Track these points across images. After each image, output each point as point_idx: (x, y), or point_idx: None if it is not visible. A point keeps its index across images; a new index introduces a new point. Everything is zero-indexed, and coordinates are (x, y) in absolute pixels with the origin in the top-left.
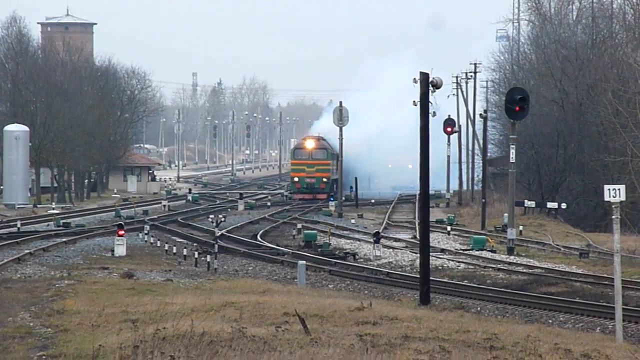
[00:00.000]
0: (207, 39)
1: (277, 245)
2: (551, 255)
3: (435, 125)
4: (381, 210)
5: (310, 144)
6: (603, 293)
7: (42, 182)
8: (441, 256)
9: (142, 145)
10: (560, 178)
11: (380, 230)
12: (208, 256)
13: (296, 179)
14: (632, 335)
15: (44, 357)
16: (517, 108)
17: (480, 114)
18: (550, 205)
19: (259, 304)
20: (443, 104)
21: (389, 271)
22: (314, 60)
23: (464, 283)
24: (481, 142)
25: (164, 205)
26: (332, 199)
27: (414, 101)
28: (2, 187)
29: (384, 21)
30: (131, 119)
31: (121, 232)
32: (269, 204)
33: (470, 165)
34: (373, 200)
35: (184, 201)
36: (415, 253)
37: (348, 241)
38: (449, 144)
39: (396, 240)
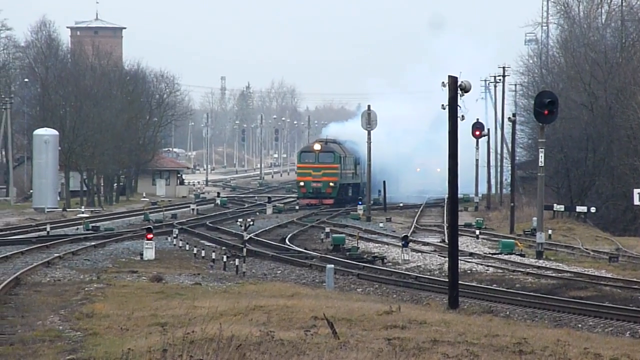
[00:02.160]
0: (235, 43)
1: (305, 249)
2: (580, 259)
3: (464, 129)
4: (409, 214)
5: (316, 147)
6: (633, 297)
7: (71, 185)
8: (470, 260)
9: (170, 149)
10: (589, 182)
11: (409, 234)
12: (236, 260)
13: (302, 184)
14: None
15: None
16: (546, 112)
17: (509, 118)
18: (579, 209)
19: (287, 307)
20: (472, 107)
21: (418, 275)
22: (343, 64)
23: (492, 287)
24: (510, 145)
25: (193, 209)
26: (360, 202)
27: (443, 105)
28: (31, 190)
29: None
30: (160, 123)
31: (150, 236)
32: (297, 207)
33: (499, 169)
34: (401, 204)
35: (213, 205)
36: (444, 257)
37: (376, 245)
38: (477, 148)
39: (425, 244)
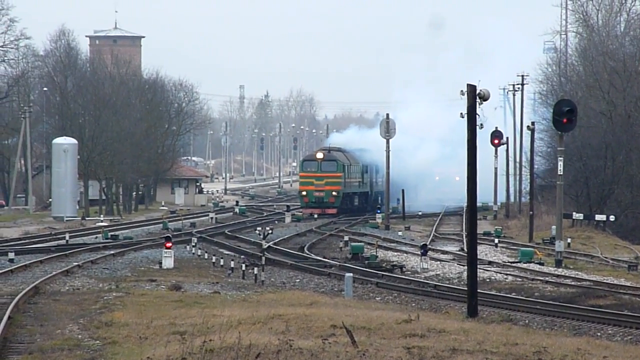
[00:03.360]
0: (254, 52)
1: (324, 258)
2: (599, 268)
3: (483, 138)
4: (428, 223)
5: (319, 155)
6: None
7: (90, 194)
8: (489, 268)
9: (189, 157)
10: (608, 190)
11: (428, 243)
12: (255, 268)
13: (304, 193)
14: None
15: None
16: (565, 120)
17: (528, 126)
18: (598, 217)
19: (306, 316)
20: (490, 116)
21: (437, 283)
22: (361, 72)
23: (511, 295)
24: (529, 154)
25: (212, 218)
26: (379, 211)
27: (461, 113)
28: (50, 199)
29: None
30: (178, 132)
31: (169, 245)
32: (315, 216)
33: (517, 178)
34: (420, 213)
35: (231, 213)
36: (463, 265)
37: (395, 253)
38: (496, 156)
39: (443, 252)
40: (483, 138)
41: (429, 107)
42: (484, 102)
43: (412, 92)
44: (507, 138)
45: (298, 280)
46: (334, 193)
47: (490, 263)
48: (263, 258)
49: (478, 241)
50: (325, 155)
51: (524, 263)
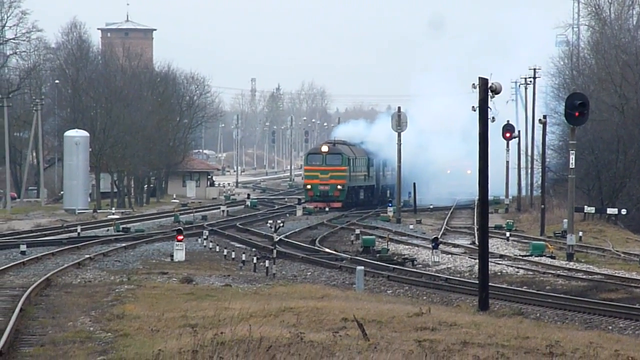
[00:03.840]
0: (266, 45)
1: (335, 251)
2: (611, 262)
3: (494, 131)
4: (440, 216)
5: (324, 149)
6: None
7: (102, 187)
8: (500, 262)
9: (201, 150)
10: (620, 184)
11: (439, 236)
12: (266, 261)
13: (309, 187)
14: None
15: None
16: (577, 113)
17: (540, 120)
18: (610, 211)
19: (317, 309)
20: (502, 109)
21: (448, 277)
22: (373, 66)
23: (523, 289)
24: (540, 147)
25: (223, 211)
26: (390, 204)
27: (473, 107)
28: (62, 192)
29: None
30: (190, 125)
31: (180, 237)
32: (327, 209)
33: (529, 171)
34: (431, 206)
35: (243, 206)
36: (474, 259)
37: (406, 247)
38: (508, 150)
39: (455, 245)
40: (495, 131)
41: (442, 100)
42: (495, 96)
43: (425, 84)
44: (519, 131)
45: (309, 274)
46: (339, 187)
47: (501, 256)
48: (274, 251)
49: (489, 235)
50: (330, 149)
51: (536, 256)
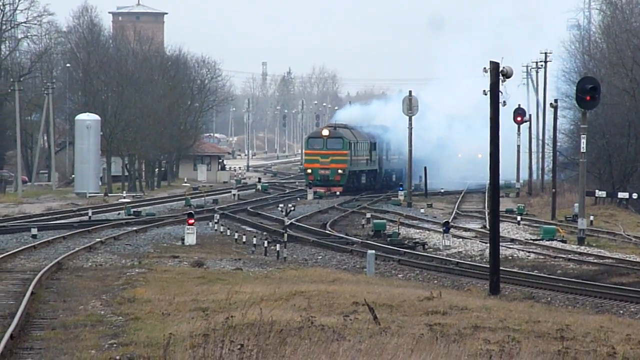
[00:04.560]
0: (277, 29)
1: (346, 235)
2: (622, 246)
3: (506, 115)
4: (451, 200)
5: (324, 133)
6: None
7: (113, 171)
8: (511, 246)
9: (212, 134)
10: (631, 168)
11: (450, 220)
12: (277, 245)
13: (309, 171)
14: None
15: (115, 345)
16: (588, 97)
17: (551, 104)
18: (621, 195)
19: (328, 293)
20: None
21: (459, 261)
22: (384, 49)
23: (534, 273)
24: (551, 131)
25: (234, 194)
26: (401, 188)
27: (484, 90)
28: (73, 175)
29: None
30: (201, 108)
31: (191, 221)
32: (337, 193)
33: (540, 155)
34: (442, 190)
35: (254, 190)
36: (485, 243)
37: (417, 231)
38: (519, 134)
39: (466, 230)
40: (506, 115)
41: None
42: (506, 79)
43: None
44: (530, 115)
45: (320, 257)
46: (339, 171)
47: (512, 240)
48: (285, 235)
49: (500, 219)
50: (331, 133)
51: (547, 241)
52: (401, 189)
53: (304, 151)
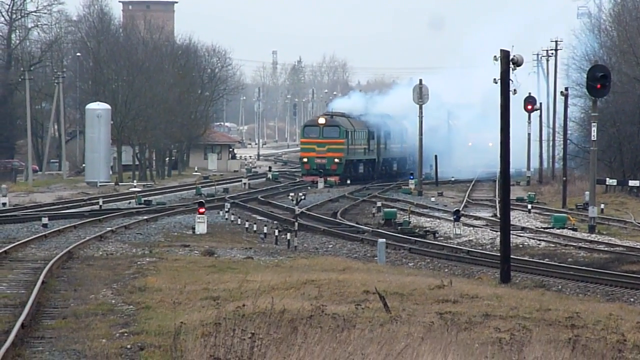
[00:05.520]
0: (287, 17)
1: (356, 224)
2: (633, 234)
3: (516, 103)
4: (461, 189)
5: (321, 121)
6: None
7: (123, 160)
8: (522, 234)
9: (222, 123)
10: None
11: (461, 208)
12: (288, 234)
13: (305, 160)
14: None
15: (125, 334)
16: (599, 86)
17: (561, 92)
18: (632, 183)
19: (338, 281)
20: (524, 81)
21: (469, 249)
22: (395, 37)
23: (544, 261)
24: (562, 120)
25: (244, 183)
26: (411, 177)
27: (495, 79)
28: (84, 165)
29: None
30: (211, 97)
31: (202, 210)
32: (348, 181)
33: (551, 144)
34: (453, 178)
35: (264, 179)
36: (496, 231)
37: (428, 219)
38: (529, 122)
39: (476, 218)
40: (516, 103)
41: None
42: (517, 68)
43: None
44: (541, 104)
45: (331, 246)
46: (336, 160)
47: (523, 229)
48: (296, 224)
49: (511, 207)
50: (328, 121)
51: (557, 229)
52: (412, 177)
53: (300, 139)
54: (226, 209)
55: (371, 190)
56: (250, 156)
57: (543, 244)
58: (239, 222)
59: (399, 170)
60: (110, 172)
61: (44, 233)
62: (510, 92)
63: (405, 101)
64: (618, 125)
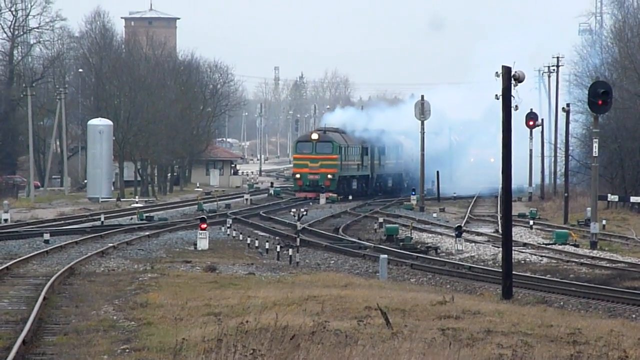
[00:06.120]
0: (289, 33)
1: (358, 239)
2: (635, 250)
3: (518, 119)
4: (463, 204)
5: (314, 136)
6: None
7: (125, 175)
8: (523, 250)
9: (224, 139)
10: None
11: (462, 224)
12: (290, 250)
13: (298, 176)
14: None
15: (127, 350)
16: (600, 102)
17: (563, 108)
18: (633, 199)
19: (340, 297)
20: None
21: (471, 265)
22: (397, 53)
23: (546, 277)
24: (564, 136)
25: (246, 199)
26: (413, 192)
27: (496, 95)
28: (86, 180)
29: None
30: (213, 113)
31: (204, 226)
32: (350, 197)
33: (552, 159)
34: (455, 194)
35: (266, 195)
36: (498, 247)
37: (430, 235)
38: (531, 138)
39: (478, 234)
40: (518, 119)
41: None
42: (519, 84)
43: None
44: (542, 120)
45: (333, 262)
46: (329, 176)
47: (525, 245)
48: (298, 239)
49: (513, 223)
50: (321, 136)
51: (559, 245)
52: (413, 193)
53: (292, 155)
54: (228, 225)
55: (373, 206)
56: (252, 172)
57: (545, 260)
58: (241, 238)
59: (395, 186)
60: (112, 188)
61: (45, 249)
62: (512, 108)
63: (403, 116)
64: (620, 142)
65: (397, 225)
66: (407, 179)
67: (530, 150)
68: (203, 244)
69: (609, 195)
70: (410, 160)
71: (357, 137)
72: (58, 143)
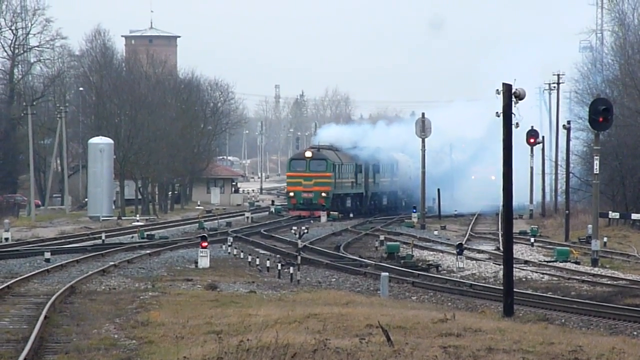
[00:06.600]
0: (289, 51)
1: (359, 257)
2: (636, 267)
3: (519, 136)
4: (464, 222)
5: (307, 154)
6: None
7: (126, 194)
8: (525, 268)
9: (225, 157)
10: None
11: (463, 242)
12: (291, 268)
13: (291, 194)
14: None
15: None
16: (601, 119)
17: (564, 125)
18: (635, 216)
19: (342, 315)
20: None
21: (472, 283)
22: (397, 71)
23: (547, 295)
24: (564, 153)
25: (247, 217)
26: (414, 210)
27: (497, 112)
28: (86, 199)
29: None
30: (214, 131)
31: (205, 244)
32: (351, 215)
33: (553, 177)
34: (456, 211)
35: (267, 213)
36: (499, 264)
37: (431, 253)
38: (532, 156)
39: (479, 251)
40: (519, 137)
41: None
42: (519, 102)
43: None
44: (543, 137)
45: (334, 280)
46: (323, 194)
47: (526, 262)
48: (299, 257)
49: (514, 240)
50: (314, 154)
51: (560, 262)
52: (415, 210)
53: (286, 174)
54: (229, 243)
55: (374, 223)
56: (253, 190)
57: (546, 277)
58: (242, 256)
59: (390, 204)
60: (113, 207)
61: (46, 268)
62: (513, 126)
63: (400, 134)
64: (620, 159)
65: (398, 243)
66: (405, 197)
67: (531, 168)
68: (204, 262)
69: (610, 212)
70: (407, 179)
71: (351, 154)
72: (59, 162)
